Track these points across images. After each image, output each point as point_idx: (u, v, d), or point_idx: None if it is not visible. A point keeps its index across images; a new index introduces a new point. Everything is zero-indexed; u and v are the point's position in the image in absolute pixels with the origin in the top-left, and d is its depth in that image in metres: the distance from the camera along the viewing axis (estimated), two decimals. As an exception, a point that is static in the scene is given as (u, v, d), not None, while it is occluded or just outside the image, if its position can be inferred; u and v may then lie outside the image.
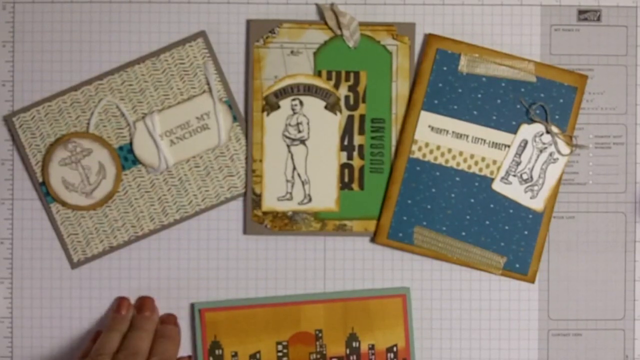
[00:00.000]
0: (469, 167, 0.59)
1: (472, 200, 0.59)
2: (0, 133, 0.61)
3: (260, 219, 0.60)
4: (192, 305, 0.61)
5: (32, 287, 0.61)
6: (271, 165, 0.60)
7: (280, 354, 0.60)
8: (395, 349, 0.61)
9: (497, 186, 0.59)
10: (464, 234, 0.59)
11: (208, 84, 0.60)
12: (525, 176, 0.59)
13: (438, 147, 0.59)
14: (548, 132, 0.59)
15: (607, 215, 0.62)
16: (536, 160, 0.59)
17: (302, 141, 0.60)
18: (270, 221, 0.60)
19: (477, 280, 0.61)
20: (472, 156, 0.59)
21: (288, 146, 0.60)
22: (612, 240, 0.61)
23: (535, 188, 0.59)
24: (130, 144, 0.60)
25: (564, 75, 0.59)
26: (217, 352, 0.60)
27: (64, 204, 0.60)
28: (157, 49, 0.61)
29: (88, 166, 0.60)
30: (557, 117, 0.59)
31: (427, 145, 0.59)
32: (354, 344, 0.60)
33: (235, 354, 0.60)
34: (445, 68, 0.59)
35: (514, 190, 0.59)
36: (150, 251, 0.61)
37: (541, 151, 0.59)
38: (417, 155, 0.59)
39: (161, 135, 0.60)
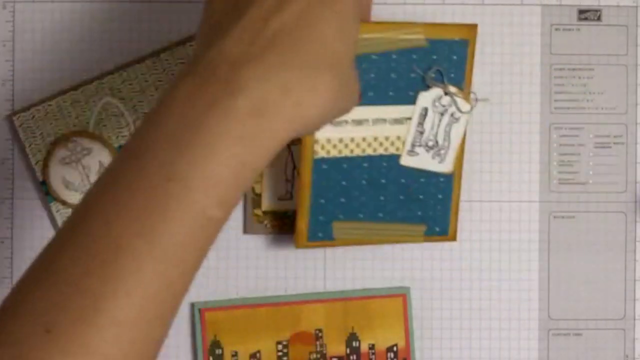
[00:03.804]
0: (375, 150, 0.58)
1: (383, 181, 0.58)
2: (1, 132, 0.61)
3: (260, 219, 0.60)
4: (192, 305, 0.61)
5: (32, 286, 0.61)
6: (271, 165, 0.59)
7: (280, 353, 0.60)
8: (395, 348, 0.61)
9: (405, 160, 0.58)
10: (380, 215, 0.59)
11: (208, 83, 0.60)
12: (430, 143, 0.58)
13: (340, 140, 0.57)
14: (446, 93, 0.57)
15: (607, 215, 0.62)
16: (439, 125, 0.57)
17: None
18: (270, 221, 0.60)
19: (477, 280, 0.61)
20: (375, 139, 0.57)
21: (288, 145, 0.60)
22: (612, 240, 0.61)
23: (442, 152, 0.58)
24: (131, 143, 0.60)
25: (452, 30, 0.57)
26: (217, 351, 0.60)
27: (64, 203, 0.60)
28: (157, 49, 0.61)
29: (88, 165, 0.60)
30: (452, 75, 0.57)
31: (329, 141, 0.57)
32: (354, 344, 0.60)
33: (235, 354, 0.60)
34: None
35: (421, 160, 0.58)
36: (150, 251, 0.61)
37: (442, 114, 0.57)
38: (321, 154, 0.57)
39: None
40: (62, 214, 0.60)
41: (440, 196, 0.59)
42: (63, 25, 0.61)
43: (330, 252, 0.61)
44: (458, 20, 0.61)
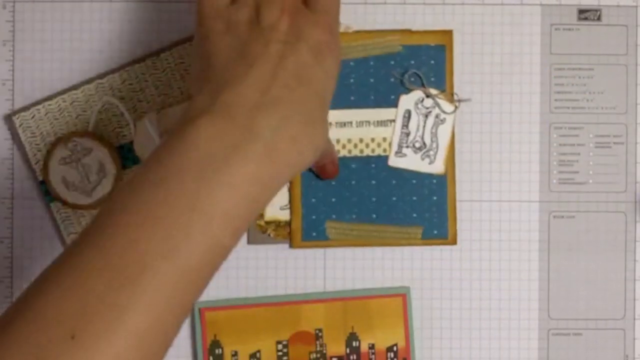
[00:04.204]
0: (361, 151, 0.59)
1: (374, 182, 0.59)
2: (0, 132, 0.61)
3: (263, 228, 0.60)
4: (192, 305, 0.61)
5: (32, 286, 0.61)
6: None
7: (280, 353, 0.60)
8: (395, 348, 0.61)
9: (393, 161, 0.59)
10: (374, 216, 0.60)
11: (208, 83, 0.60)
12: (417, 144, 0.59)
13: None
14: (428, 96, 0.59)
15: (607, 215, 0.62)
16: (424, 126, 0.59)
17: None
18: (273, 230, 0.60)
19: (477, 280, 0.61)
20: (361, 140, 0.59)
21: None
22: (612, 240, 0.61)
23: (431, 153, 0.59)
24: (131, 143, 0.60)
25: (428, 37, 0.59)
26: (217, 351, 0.60)
27: (64, 202, 0.60)
28: (157, 49, 0.61)
29: (88, 165, 0.60)
30: (432, 79, 0.59)
31: None
32: (354, 344, 0.60)
33: (235, 354, 0.60)
34: None
35: (410, 161, 0.59)
36: (150, 251, 0.61)
37: (426, 116, 0.59)
38: None
39: (161, 134, 0.60)
40: (62, 214, 0.60)
41: (434, 198, 0.60)
42: (63, 25, 0.61)
43: (330, 252, 0.61)
44: (458, 20, 0.61)
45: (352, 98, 0.59)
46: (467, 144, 0.61)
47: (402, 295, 0.61)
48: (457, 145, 0.61)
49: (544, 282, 0.61)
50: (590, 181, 0.62)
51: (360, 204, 0.59)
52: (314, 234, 0.59)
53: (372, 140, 0.59)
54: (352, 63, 0.58)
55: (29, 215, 0.61)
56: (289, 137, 0.43)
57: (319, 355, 0.60)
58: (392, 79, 0.59)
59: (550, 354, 0.61)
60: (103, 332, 0.37)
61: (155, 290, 0.38)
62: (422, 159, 0.59)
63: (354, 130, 0.59)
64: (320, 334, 0.60)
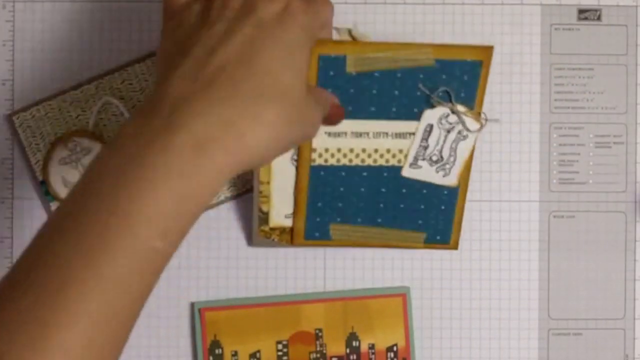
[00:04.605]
0: (375, 160, 0.58)
1: (384, 190, 0.58)
2: (1, 132, 0.61)
3: (267, 234, 0.59)
4: (192, 305, 0.61)
5: (32, 286, 0.61)
6: (279, 186, 0.58)
7: (280, 353, 0.60)
8: (395, 348, 0.61)
9: (407, 172, 0.58)
10: (379, 220, 0.59)
11: (208, 83, 0.60)
12: (435, 158, 0.57)
13: (339, 150, 0.57)
14: (454, 112, 0.56)
15: (607, 215, 0.62)
16: (444, 141, 0.57)
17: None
18: (278, 235, 0.59)
19: (477, 280, 0.61)
20: (376, 150, 0.57)
21: (296, 167, 0.58)
22: (612, 240, 0.61)
23: (447, 166, 0.58)
24: (131, 143, 0.60)
25: (465, 52, 0.55)
26: (217, 351, 0.60)
27: (64, 203, 0.60)
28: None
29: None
30: (462, 95, 0.56)
31: (327, 150, 0.57)
32: (354, 344, 0.60)
33: (235, 354, 0.60)
34: (332, 73, 0.55)
35: (425, 173, 0.58)
36: (150, 251, 0.61)
37: (449, 131, 0.57)
38: (319, 162, 0.57)
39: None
40: (62, 214, 0.60)
41: (443, 207, 0.59)
42: (63, 25, 0.61)
43: (330, 252, 0.61)
44: (458, 19, 0.61)
45: (373, 109, 0.56)
46: (467, 144, 0.61)
47: (402, 295, 0.61)
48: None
49: (544, 282, 0.61)
50: (590, 181, 0.62)
51: (366, 209, 0.58)
52: (317, 234, 0.59)
53: (388, 151, 0.57)
54: (376, 74, 0.55)
55: (29, 215, 0.61)
56: (221, 121, 0.39)
57: (319, 355, 0.60)
58: (418, 93, 0.56)
59: (550, 354, 0.61)
60: (27, 350, 0.35)
61: (80, 303, 0.36)
62: (437, 172, 0.58)
63: (370, 141, 0.57)
64: (320, 334, 0.60)
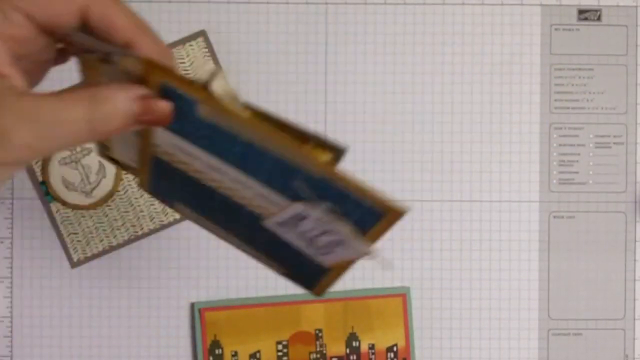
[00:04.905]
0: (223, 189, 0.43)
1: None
2: (0, 132, 0.61)
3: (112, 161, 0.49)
4: (192, 305, 0.61)
5: (32, 286, 0.61)
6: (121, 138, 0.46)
7: (280, 353, 0.60)
8: (395, 348, 0.61)
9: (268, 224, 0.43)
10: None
11: (208, 83, 0.60)
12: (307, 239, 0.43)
13: (183, 162, 0.44)
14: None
15: (607, 215, 0.62)
16: (316, 237, 0.42)
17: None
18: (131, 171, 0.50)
19: (477, 280, 0.61)
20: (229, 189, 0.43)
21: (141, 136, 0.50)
22: (612, 240, 0.62)
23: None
24: (131, 143, 0.60)
25: (373, 198, 0.39)
26: (217, 351, 0.60)
27: (64, 203, 0.60)
28: (157, 49, 0.61)
29: (88, 165, 0.60)
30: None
31: (170, 155, 0.44)
32: (354, 344, 0.60)
33: (235, 354, 0.60)
34: (182, 108, 0.41)
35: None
36: (150, 251, 0.61)
37: (320, 233, 0.42)
38: (163, 156, 0.44)
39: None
40: (62, 214, 0.60)
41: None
42: (63, 25, 0.61)
43: (330, 252, 0.61)
44: (458, 19, 0.61)
45: (235, 160, 0.41)
46: (468, 144, 0.61)
47: (402, 295, 0.61)
48: (457, 145, 0.61)
49: (544, 282, 0.61)
50: (590, 181, 0.62)
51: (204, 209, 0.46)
52: (162, 197, 0.47)
53: (243, 198, 0.43)
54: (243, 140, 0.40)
55: (29, 215, 0.61)
56: None
57: (319, 356, 0.60)
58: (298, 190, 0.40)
59: (550, 354, 0.61)
60: None
61: None
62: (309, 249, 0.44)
63: (225, 182, 0.43)
64: (320, 334, 0.60)
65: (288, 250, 0.45)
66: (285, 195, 0.41)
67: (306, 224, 0.43)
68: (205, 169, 0.43)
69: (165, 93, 0.41)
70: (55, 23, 0.42)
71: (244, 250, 0.49)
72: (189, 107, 0.41)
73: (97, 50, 0.43)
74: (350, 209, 0.41)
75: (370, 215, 0.41)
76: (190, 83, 0.41)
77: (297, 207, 0.41)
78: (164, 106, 0.41)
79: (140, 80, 0.41)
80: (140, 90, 0.41)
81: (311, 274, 0.47)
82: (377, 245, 0.41)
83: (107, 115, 0.41)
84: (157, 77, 0.41)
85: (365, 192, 0.39)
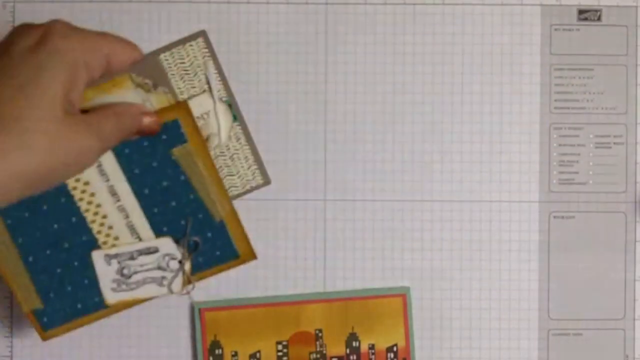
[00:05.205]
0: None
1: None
2: (0, 132, 0.61)
3: None
4: (192, 305, 0.61)
5: (32, 286, 0.61)
6: None
7: (280, 353, 0.60)
8: (395, 348, 0.61)
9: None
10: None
11: (208, 83, 0.60)
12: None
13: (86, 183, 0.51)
14: (180, 262, 0.52)
15: (607, 215, 0.62)
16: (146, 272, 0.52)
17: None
18: None
19: (477, 280, 0.61)
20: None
21: None
22: (612, 240, 0.61)
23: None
24: (131, 143, 0.60)
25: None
26: (217, 351, 0.60)
27: (64, 203, 0.60)
28: (157, 49, 0.61)
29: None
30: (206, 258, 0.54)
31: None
32: (354, 344, 0.60)
33: (235, 354, 0.60)
34: None
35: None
36: (150, 251, 0.61)
37: (162, 269, 0.52)
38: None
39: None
40: (62, 214, 0.60)
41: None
42: (63, 25, 0.61)
43: (330, 252, 0.61)
44: (458, 19, 0.61)
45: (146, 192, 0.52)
46: (467, 144, 0.61)
47: (402, 295, 0.61)
48: (456, 145, 0.61)
49: (544, 282, 0.61)
50: (590, 181, 0.62)
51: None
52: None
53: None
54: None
55: (29, 215, 0.61)
56: None
57: (319, 356, 0.60)
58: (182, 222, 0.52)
59: (550, 354, 0.61)
60: None
61: None
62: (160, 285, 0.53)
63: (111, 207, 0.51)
64: (320, 334, 0.60)
65: (69, 283, 0.51)
66: (155, 230, 0.50)
67: (146, 258, 0.51)
68: (99, 190, 0.50)
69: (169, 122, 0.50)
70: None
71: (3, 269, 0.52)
72: (173, 141, 0.50)
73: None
74: (217, 245, 0.51)
75: (227, 254, 0.51)
76: (197, 131, 0.51)
77: (161, 241, 0.50)
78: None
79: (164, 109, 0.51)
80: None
81: (68, 313, 0.53)
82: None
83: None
84: (178, 113, 0.50)
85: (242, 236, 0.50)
